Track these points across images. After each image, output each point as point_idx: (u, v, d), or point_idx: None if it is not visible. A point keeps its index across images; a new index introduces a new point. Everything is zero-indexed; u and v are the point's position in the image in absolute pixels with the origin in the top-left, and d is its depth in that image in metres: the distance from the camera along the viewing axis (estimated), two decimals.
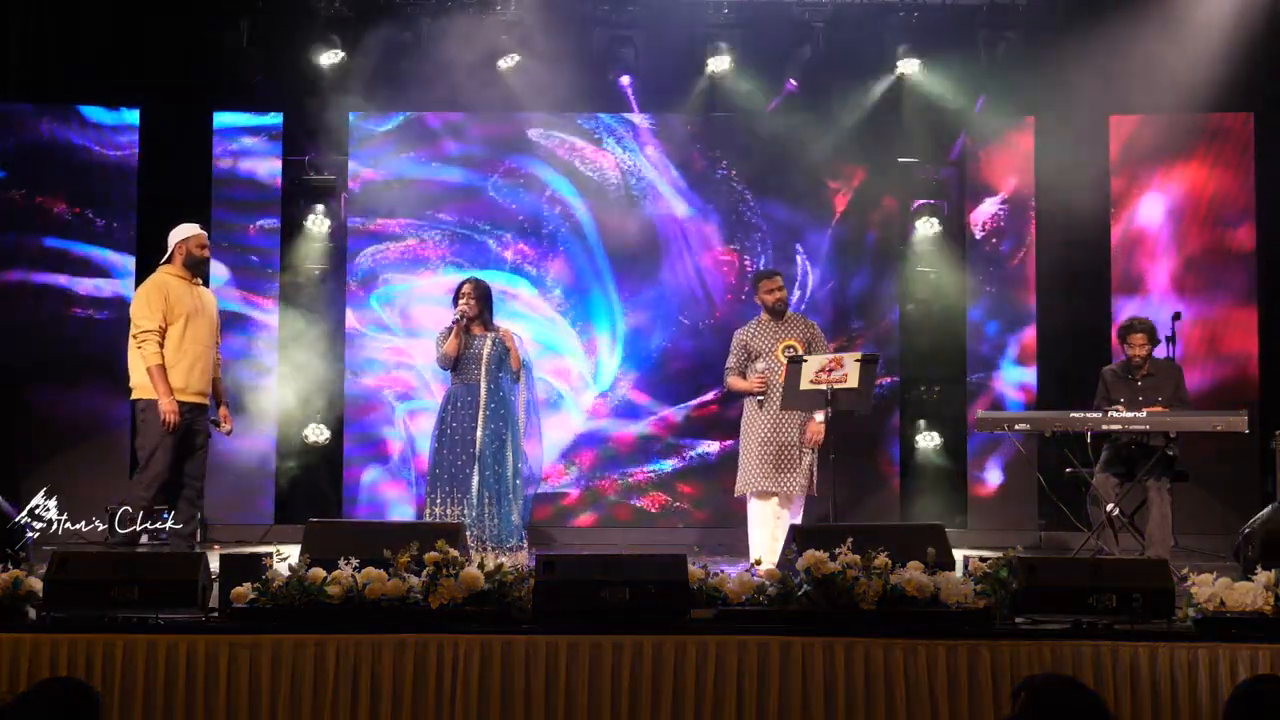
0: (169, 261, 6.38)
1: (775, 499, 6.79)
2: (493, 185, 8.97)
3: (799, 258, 8.91)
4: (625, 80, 8.84)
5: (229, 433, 6.59)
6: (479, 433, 6.74)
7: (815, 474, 6.78)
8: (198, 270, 6.43)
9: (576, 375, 8.95)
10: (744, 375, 6.95)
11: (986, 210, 8.89)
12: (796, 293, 8.76)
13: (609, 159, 9.01)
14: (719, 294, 8.95)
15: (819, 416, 6.60)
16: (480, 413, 6.77)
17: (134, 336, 6.21)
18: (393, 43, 8.69)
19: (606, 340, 8.96)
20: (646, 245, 8.97)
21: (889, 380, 8.81)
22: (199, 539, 7.55)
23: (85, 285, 8.61)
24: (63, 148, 8.64)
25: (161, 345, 6.17)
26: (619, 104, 8.97)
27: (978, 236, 8.89)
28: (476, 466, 6.71)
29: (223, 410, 6.50)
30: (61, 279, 8.58)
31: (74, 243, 8.62)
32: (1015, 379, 8.79)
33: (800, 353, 6.70)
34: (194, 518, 6.29)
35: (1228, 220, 8.69)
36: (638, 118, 9.02)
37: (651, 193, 8.99)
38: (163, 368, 6.15)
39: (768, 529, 6.74)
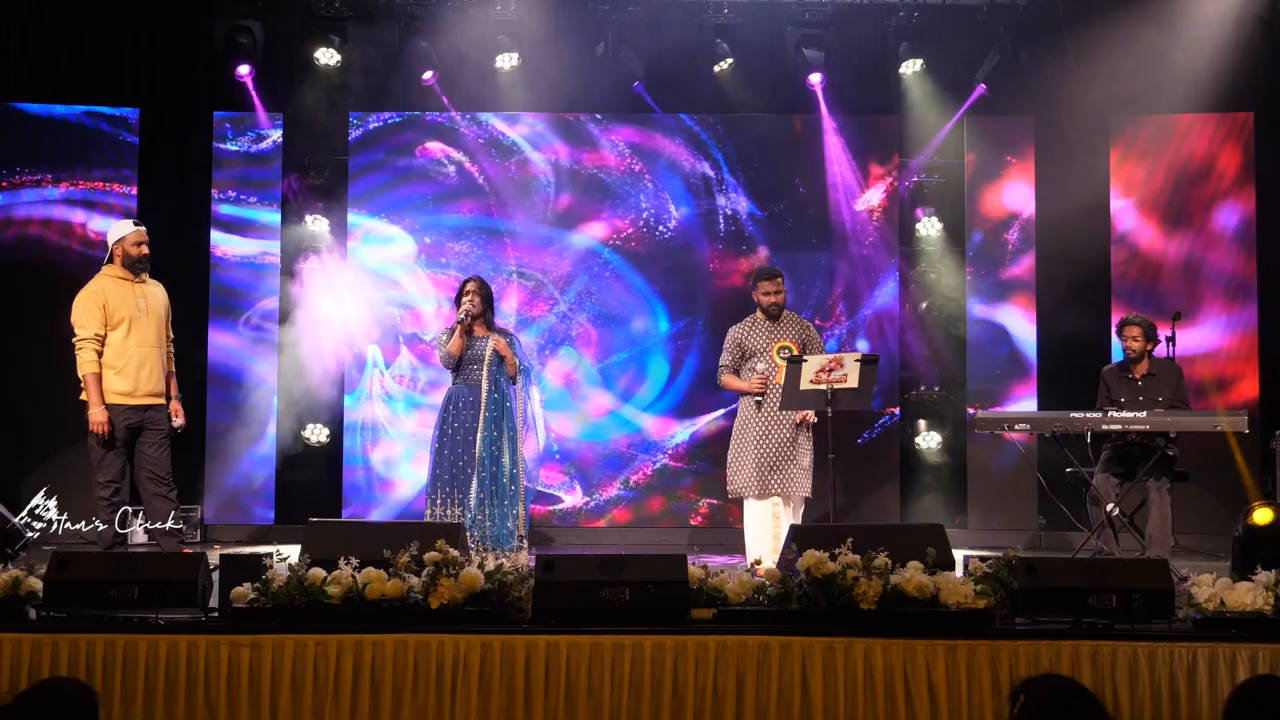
0: (109, 262, 6.35)
1: (774, 499, 6.78)
2: (493, 185, 8.96)
3: (803, 259, 8.91)
4: (629, 81, 8.82)
5: (181, 428, 6.53)
6: (479, 434, 6.74)
7: (813, 475, 6.79)
8: (138, 268, 6.34)
9: (581, 375, 8.95)
10: (738, 373, 6.96)
11: (987, 210, 8.89)
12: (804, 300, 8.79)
13: (611, 159, 9.01)
14: (724, 296, 8.93)
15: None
16: (481, 413, 6.77)
17: (75, 342, 6.21)
18: (393, 43, 8.69)
19: (612, 341, 8.96)
20: (648, 245, 8.96)
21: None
22: (199, 538, 7.57)
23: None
24: (63, 147, 8.65)
25: (100, 352, 6.17)
26: (620, 104, 8.95)
27: (978, 236, 8.89)
28: (476, 468, 6.71)
29: (174, 404, 6.44)
30: (63, 276, 8.58)
31: (75, 238, 8.63)
32: (1016, 379, 8.78)
33: (796, 353, 6.71)
34: (172, 513, 6.28)
35: (1228, 220, 8.69)
36: (640, 118, 9.00)
37: (655, 193, 8.98)
38: (98, 376, 6.16)
39: (767, 529, 6.74)
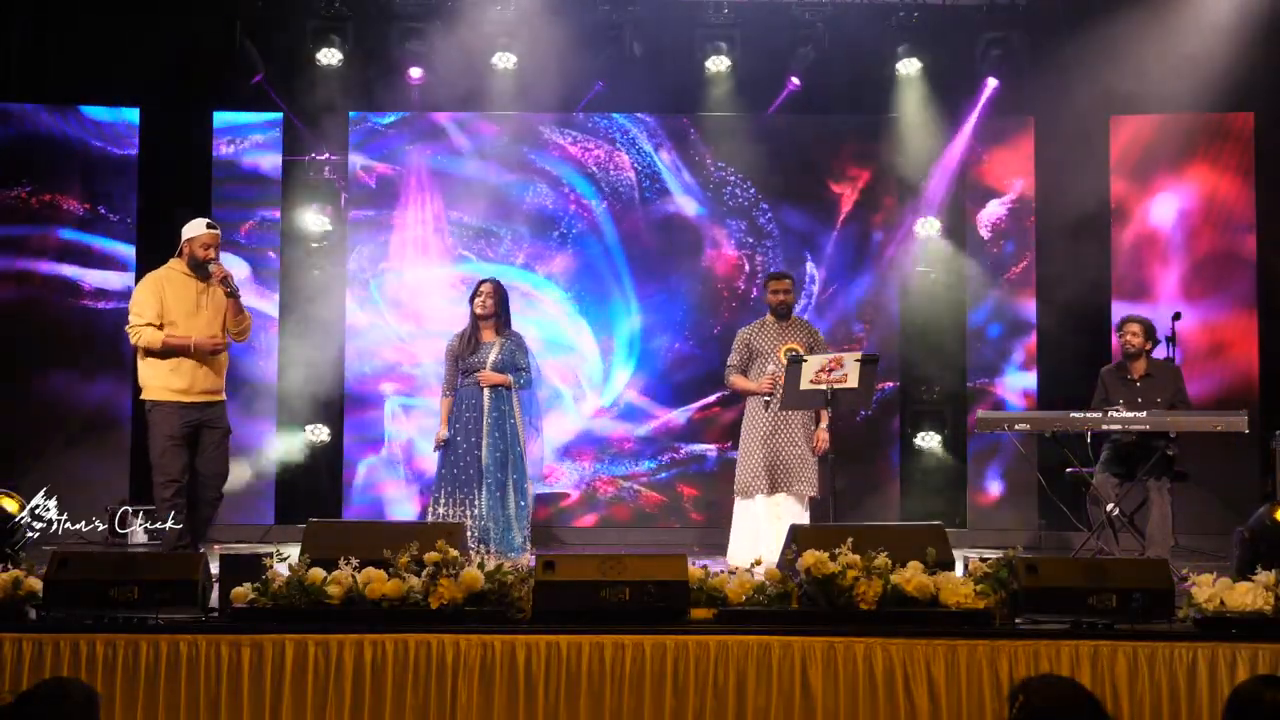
0: (178, 256, 6.34)
1: (772, 499, 6.80)
2: (493, 183, 8.96)
3: (807, 262, 8.90)
4: (625, 80, 8.81)
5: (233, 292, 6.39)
6: (484, 443, 6.75)
7: (819, 476, 6.82)
8: (201, 270, 6.31)
9: (581, 375, 8.95)
10: (745, 374, 6.98)
11: (987, 211, 8.90)
12: (802, 300, 8.75)
13: (612, 158, 9.00)
14: (725, 296, 8.94)
15: (824, 424, 6.79)
16: (484, 418, 6.77)
17: (129, 330, 6.19)
18: (392, 42, 8.69)
19: (612, 340, 8.95)
20: (651, 246, 8.96)
21: (889, 385, 8.81)
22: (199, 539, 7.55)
23: (91, 278, 8.62)
24: (64, 148, 8.66)
25: (160, 328, 6.14)
26: (622, 104, 8.96)
27: (978, 237, 8.90)
28: (481, 473, 6.72)
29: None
30: (67, 271, 8.58)
31: (79, 235, 8.65)
32: (1016, 379, 8.79)
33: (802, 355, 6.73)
34: (205, 519, 6.28)
35: (1228, 220, 8.69)
36: (642, 118, 9.00)
37: (657, 194, 8.98)
38: (170, 338, 6.09)
39: (750, 530, 6.79)
